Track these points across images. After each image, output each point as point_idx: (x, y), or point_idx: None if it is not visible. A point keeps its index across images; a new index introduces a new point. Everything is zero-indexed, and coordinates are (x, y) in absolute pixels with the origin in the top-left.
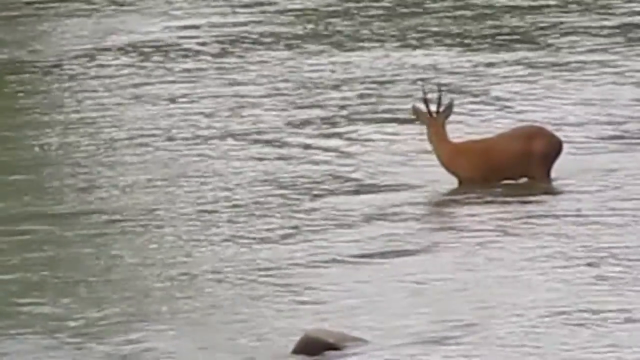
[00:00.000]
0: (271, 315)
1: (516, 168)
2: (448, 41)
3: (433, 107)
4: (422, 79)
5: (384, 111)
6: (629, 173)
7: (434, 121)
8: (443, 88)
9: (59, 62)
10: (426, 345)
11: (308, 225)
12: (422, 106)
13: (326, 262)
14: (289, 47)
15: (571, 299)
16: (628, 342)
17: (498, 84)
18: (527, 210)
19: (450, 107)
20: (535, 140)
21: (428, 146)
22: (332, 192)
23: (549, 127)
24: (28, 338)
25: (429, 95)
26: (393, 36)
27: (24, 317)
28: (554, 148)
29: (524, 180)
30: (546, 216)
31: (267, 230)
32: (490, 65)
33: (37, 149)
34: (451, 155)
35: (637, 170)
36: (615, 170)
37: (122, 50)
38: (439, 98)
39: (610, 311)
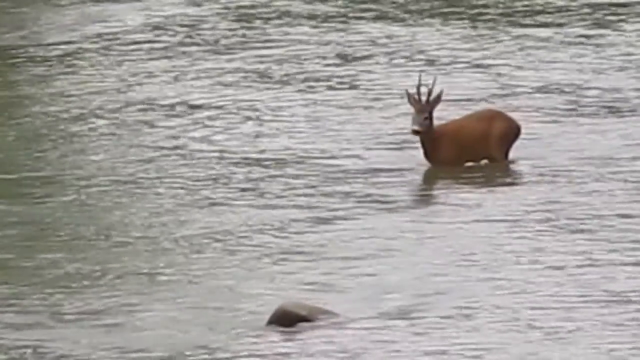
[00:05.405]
0: (247, 284)
1: (479, 149)
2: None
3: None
4: (422, 70)
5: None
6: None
7: (423, 108)
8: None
9: (49, 46)
10: (395, 319)
11: (272, 191)
12: (414, 92)
13: (298, 223)
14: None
15: (558, 254)
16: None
17: (481, 54)
18: (498, 175)
19: (439, 97)
20: (495, 122)
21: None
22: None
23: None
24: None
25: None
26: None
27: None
28: (513, 130)
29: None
30: (518, 178)
31: (240, 195)
32: (470, 37)
33: (29, 120)
34: (434, 140)
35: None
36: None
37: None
38: (431, 88)
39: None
